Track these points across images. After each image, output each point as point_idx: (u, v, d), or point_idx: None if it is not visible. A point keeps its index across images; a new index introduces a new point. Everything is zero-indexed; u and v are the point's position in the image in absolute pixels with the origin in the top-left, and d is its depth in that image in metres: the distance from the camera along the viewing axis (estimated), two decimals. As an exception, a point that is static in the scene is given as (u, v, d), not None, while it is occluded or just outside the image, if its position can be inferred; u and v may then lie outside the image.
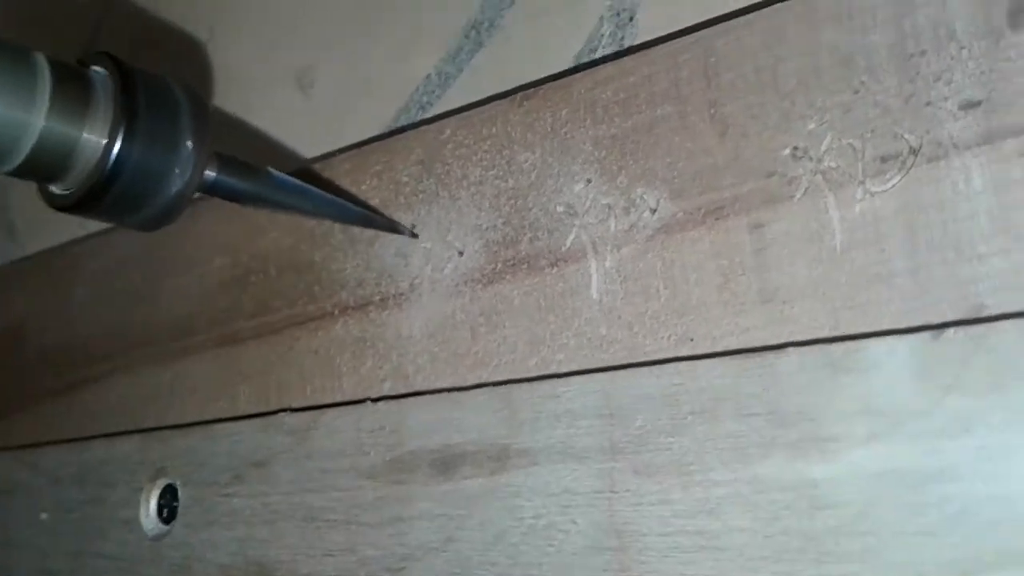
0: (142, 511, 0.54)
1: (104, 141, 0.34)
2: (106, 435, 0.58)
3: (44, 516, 0.60)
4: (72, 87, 0.33)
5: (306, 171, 0.49)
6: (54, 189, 0.36)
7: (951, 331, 0.29)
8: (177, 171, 0.35)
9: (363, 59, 0.50)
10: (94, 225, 0.60)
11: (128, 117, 0.34)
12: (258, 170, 0.39)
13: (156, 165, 0.34)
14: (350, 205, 0.44)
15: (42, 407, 0.63)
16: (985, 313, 0.29)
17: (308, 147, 0.51)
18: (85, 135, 0.33)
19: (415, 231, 0.44)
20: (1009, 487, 0.28)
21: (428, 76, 0.47)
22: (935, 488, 0.29)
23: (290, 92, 0.52)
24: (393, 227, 0.44)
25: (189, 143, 0.35)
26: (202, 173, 0.36)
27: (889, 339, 0.30)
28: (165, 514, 0.53)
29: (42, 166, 0.33)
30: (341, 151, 0.49)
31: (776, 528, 0.32)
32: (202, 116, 0.36)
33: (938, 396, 0.29)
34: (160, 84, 0.35)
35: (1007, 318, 0.28)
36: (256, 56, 0.55)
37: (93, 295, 0.60)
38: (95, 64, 0.35)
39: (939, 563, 0.29)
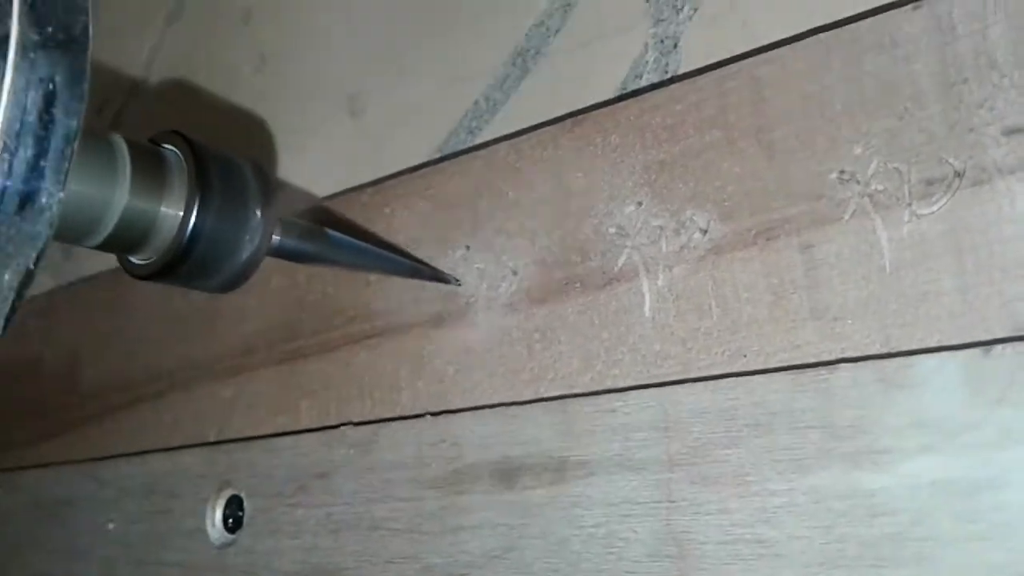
0: (208, 521, 0.56)
1: (181, 214, 0.36)
2: (168, 449, 0.60)
3: (111, 526, 0.62)
4: (149, 165, 0.36)
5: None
6: (134, 259, 0.38)
7: (999, 347, 0.30)
8: (247, 238, 0.37)
9: (412, 85, 0.52)
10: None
11: (202, 191, 0.36)
12: (317, 231, 0.42)
13: (228, 234, 0.37)
14: (399, 258, 0.47)
15: (104, 422, 0.65)
16: (1032, 331, 0.30)
17: (359, 172, 0.52)
18: (163, 209, 0.36)
19: (470, 250, 0.46)
20: (1058, 496, 0.29)
21: (476, 102, 0.49)
22: (987, 497, 0.30)
23: (341, 118, 0.54)
24: (438, 276, 0.46)
25: (258, 212, 0.38)
26: (270, 238, 0.39)
27: (939, 355, 0.32)
28: (231, 523, 0.55)
29: (125, 239, 0.36)
30: (393, 176, 0.50)
31: (833, 536, 0.33)
32: (267, 186, 0.38)
33: (988, 410, 0.30)
34: (227, 159, 0.38)
35: (1053, 336, 0.30)
36: (307, 83, 0.57)
37: (151, 315, 0.62)
38: (166, 143, 0.37)
39: (992, 568, 0.30)
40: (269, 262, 0.54)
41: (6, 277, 0.28)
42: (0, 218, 0.27)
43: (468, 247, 0.46)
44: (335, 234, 0.42)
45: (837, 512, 0.33)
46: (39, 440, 0.70)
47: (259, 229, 0.37)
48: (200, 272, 0.37)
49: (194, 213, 0.35)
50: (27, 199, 0.27)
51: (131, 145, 0.35)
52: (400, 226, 0.49)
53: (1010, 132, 0.31)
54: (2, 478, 0.72)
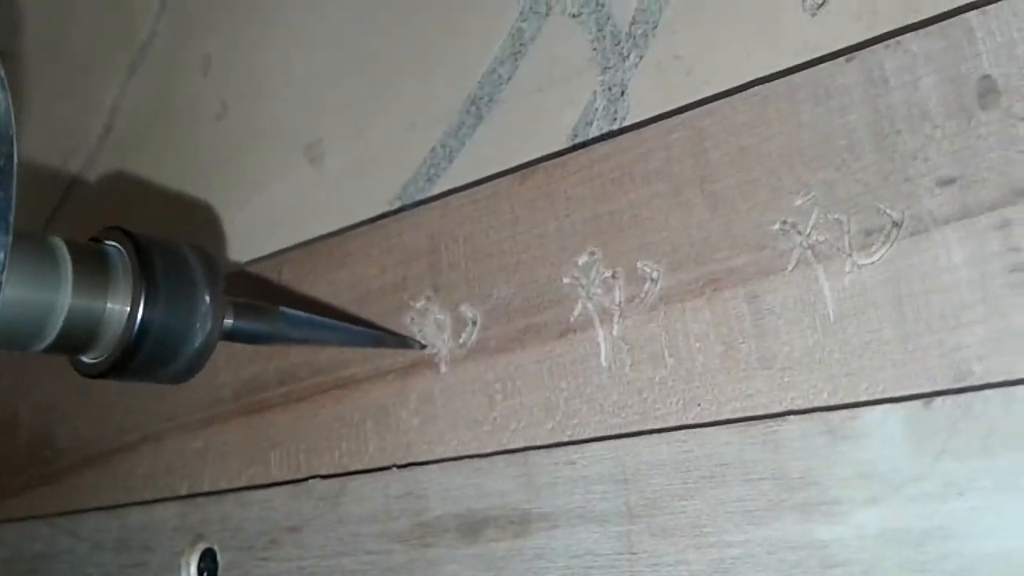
0: (184, 574, 0.56)
1: (128, 309, 0.36)
2: (142, 502, 0.60)
3: (89, 581, 0.62)
4: (91, 263, 0.35)
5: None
6: (85, 359, 0.37)
7: (939, 400, 0.31)
8: (198, 326, 0.37)
9: (371, 133, 0.52)
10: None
11: (147, 283, 0.36)
12: (271, 310, 0.41)
13: (178, 324, 0.36)
14: (359, 329, 0.47)
15: (80, 475, 0.65)
16: (971, 381, 0.30)
17: (321, 221, 0.53)
18: (109, 305, 0.35)
19: (430, 300, 0.46)
20: (1002, 545, 0.29)
21: (433, 149, 0.49)
22: (934, 547, 0.31)
23: (301, 165, 0.55)
24: (404, 343, 0.46)
25: (206, 298, 0.37)
26: (221, 323, 0.38)
27: (883, 407, 0.32)
28: (206, 577, 0.55)
29: (73, 340, 0.35)
30: (353, 227, 0.51)
31: (788, 588, 0.33)
32: (214, 270, 0.38)
33: (930, 462, 0.31)
34: (171, 248, 0.38)
35: (991, 387, 0.30)
36: (267, 130, 0.57)
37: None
38: (108, 239, 0.37)
39: (941, 618, 0.30)
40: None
41: None
42: None
43: (429, 297, 0.46)
44: (290, 311, 0.42)
45: (791, 563, 0.33)
46: (17, 493, 0.70)
47: (208, 315, 0.37)
48: (153, 364, 0.37)
49: (140, 306, 0.35)
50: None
51: (71, 246, 0.35)
52: (361, 277, 0.49)
53: (944, 182, 0.32)
54: (-19, 533, 0.72)
